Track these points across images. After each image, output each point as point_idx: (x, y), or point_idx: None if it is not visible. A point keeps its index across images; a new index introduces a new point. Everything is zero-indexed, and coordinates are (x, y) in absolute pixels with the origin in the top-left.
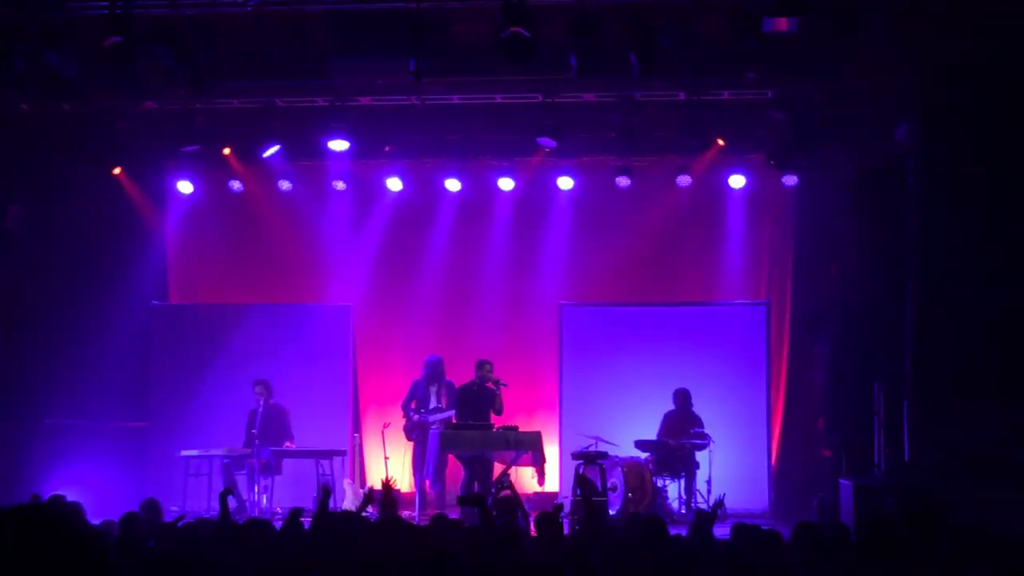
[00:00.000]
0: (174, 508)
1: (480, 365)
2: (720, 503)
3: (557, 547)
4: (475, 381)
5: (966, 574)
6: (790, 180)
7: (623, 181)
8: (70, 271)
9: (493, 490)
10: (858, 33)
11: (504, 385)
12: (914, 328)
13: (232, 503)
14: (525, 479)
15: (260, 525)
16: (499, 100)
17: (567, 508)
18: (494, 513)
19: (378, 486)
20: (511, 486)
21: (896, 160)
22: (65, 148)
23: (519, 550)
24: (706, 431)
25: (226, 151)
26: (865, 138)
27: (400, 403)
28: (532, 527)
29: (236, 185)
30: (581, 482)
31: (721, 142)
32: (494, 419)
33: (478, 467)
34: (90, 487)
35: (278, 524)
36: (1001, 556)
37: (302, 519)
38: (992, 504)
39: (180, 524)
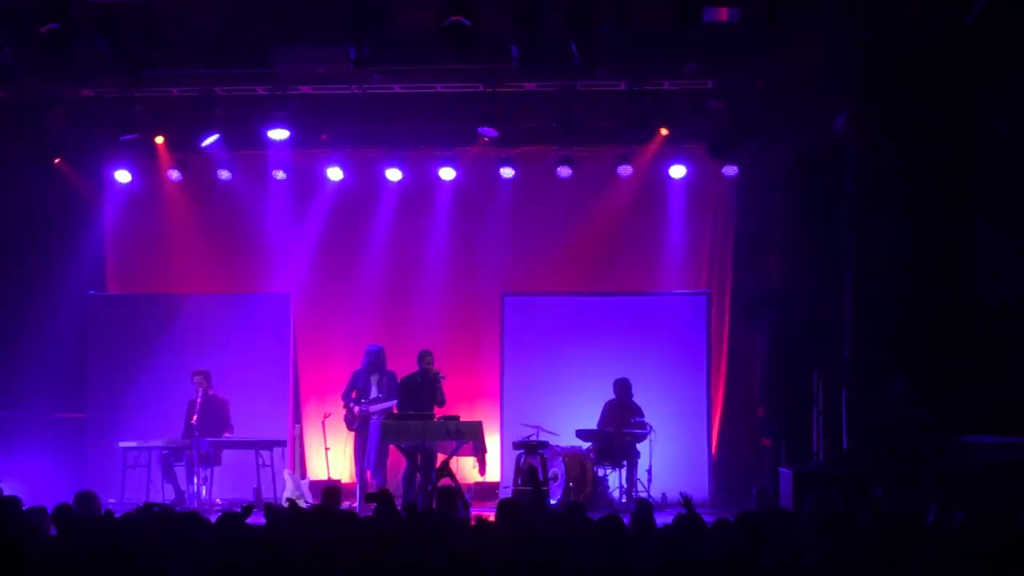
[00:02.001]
0: (112, 500)
1: (422, 356)
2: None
3: (494, 535)
4: (418, 372)
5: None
6: (730, 170)
7: (564, 171)
8: (5, 260)
9: (434, 478)
10: (793, 23)
11: (442, 377)
12: (851, 316)
13: (171, 495)
14: (466, 469)
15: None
16: (440, 89)
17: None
18: (434, 503)
19: (319, 477)
20: (452, 475)
21: (835, 150)
22: (0, 134)
23: (450, 539)
24: (646, 420)
25: (159, 140)
26: (804, 128)
27: (341, 393)
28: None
29: (175, 174)
30: (531, 476)
31: (664, 132)
32: (437, 410)
33: (420, 457)
34: (26, 479)
35: (217, 515)
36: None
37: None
38: (929, 490)
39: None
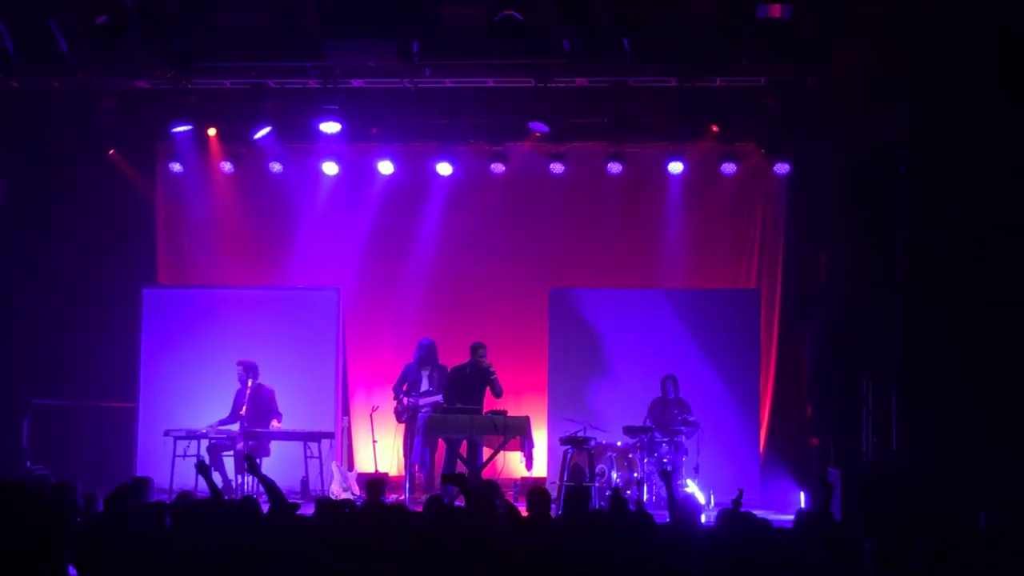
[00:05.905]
0: (163, 488)
1: (475, 348)
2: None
3: (529, 532)
4: (468, 363)
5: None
6: (782, 168)
7: (615, 167)
8: (58, 250)
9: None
10: (847, 21)
11: (492, 372)
12: (902, 316)
13: (219, 483)
14: (513, 463)
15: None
16: (491, 84)
17: (555, 493)
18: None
19: (367, 470)
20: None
21: (888, 148)
22: (54, 126)
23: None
24: (694, 417)
25: (211, 132)
26: (857, 126)
27: (391, 386)
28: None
29: (226, 166)
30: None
31: (714, 128)
32: (494, 402)
33: (466, 451)
34: (77, 467)
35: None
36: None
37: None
38: (978, 493)
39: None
